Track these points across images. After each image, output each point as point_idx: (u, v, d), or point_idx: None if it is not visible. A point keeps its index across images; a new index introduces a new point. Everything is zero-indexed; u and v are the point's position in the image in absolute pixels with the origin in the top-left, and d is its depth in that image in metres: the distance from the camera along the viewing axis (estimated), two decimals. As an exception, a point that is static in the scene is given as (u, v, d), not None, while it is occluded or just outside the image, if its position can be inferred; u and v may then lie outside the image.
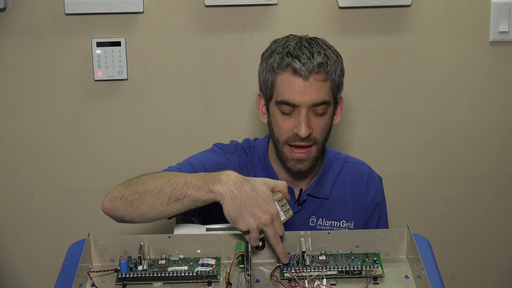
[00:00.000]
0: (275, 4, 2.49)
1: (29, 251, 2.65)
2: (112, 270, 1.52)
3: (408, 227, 1.58)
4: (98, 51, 2.48)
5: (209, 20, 2.50)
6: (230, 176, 1.51)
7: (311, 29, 2.50)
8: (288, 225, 1.84)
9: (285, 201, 1.55)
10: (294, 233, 1.57)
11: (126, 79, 2.52)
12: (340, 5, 2.48)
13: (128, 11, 2.45)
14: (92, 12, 2.44)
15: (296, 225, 1.86)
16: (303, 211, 1.89)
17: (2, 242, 2.64)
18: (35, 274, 2.66)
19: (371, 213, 1.95)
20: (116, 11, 2.44)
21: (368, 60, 2.56)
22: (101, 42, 2.47)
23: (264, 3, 2.47)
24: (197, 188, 1.52)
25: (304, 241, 1.55)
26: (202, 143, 2.56)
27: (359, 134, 2.62)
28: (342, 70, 1.84)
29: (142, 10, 2.46)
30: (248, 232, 1.49)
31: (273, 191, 1.53)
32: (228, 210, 1.49)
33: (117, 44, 2.48)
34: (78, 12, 2.44)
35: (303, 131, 1.76)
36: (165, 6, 2.48)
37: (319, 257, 1.53)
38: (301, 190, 1.90)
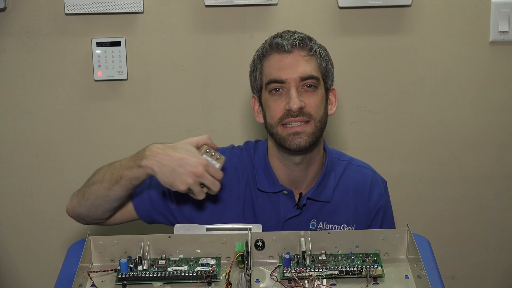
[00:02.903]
0: (275, 4, 2.49)
1: (29, 251, 2.65)
2: (112, 270, 1.52)
3: (408, 227, 1.58)
4: (98, 51, 2.48)
5: (209, 20, 2.50)
6: (152, 149, 1.67)
7: (311, 29, 2.50)
8: (287, 228, 1.84)
9: (213, 151, 1.64)
10: (294, 233, 1.57)
11: (126, 79, 2.52)
12: (340, 5, 2.48)
13: (128, 11, 2.45)
14: (92, 12, 2.44)
15: (295, 228, 1.84)
16: (302, 215, 1.88)
17: (2, 242, 2.64)
18: (35, 274, 2.66)
19: (374, 217, 1.93)
20: (116, 11, 2.45)
21: (368, 60, 2.56)
22: (101, 42, 2.47)
23: (264, 3, 2.47)
24: (129, 168, 1.68)
25: (304, 241, 1.55)
26: (202, 143, 2.56)
27: (359, 134, 2.62)
28: (330, 59, 1.87)
29: (142, 10, 2.47)
30: (190, 190, 1.61)
31: (198, 147, 1.65)
32: (162, 178, 1.62)
33: (117, 44, 2.48)
34: (78, 12, 2.44)
35: (294, 105, 1.76)
36: (165, 6, 2.48)
37: (319, 257, 1.53)
38: (300, 194, 1.89)
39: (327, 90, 1.85)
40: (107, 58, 2.48)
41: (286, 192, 1.87)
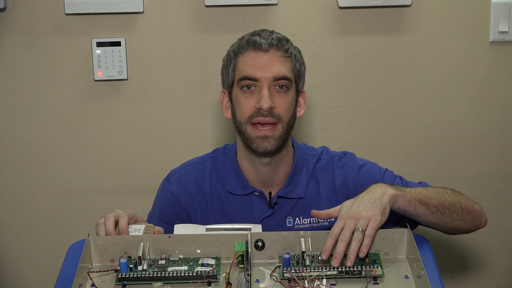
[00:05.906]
0: (275, 4, 2.49)
1: (29, 251, 2.65)
2: (112, 270, 1.52)
3: (408, 227, 1.58)
4: (98, 51, 2.48)
5: (209, 20, 2.50)
6: None
7: (311, 29, 2.51)
8: (264, 229, 1.84)
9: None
10: (294, 233, 1.57)
11: (126, 79, 2.52)
12: (340, 5, 2.48)
13: (128, 11, 2.45)
14: (92, 12, 2.44)
15: (271, 228, 1.84)
16: (276, 214, 1.88)
17: (2, 242, 2.64)
18: (35, 274, 2.66)
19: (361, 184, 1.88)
20: (116, 11, 2.45)
21: (368, 60, 2.56)
22: (101, 42, 2.47)
23: (264, 3, 2.47)
24: None
25: (304, 241, 1.55)
26: (202, 143, 2.56)
27: (359, 134, 2.62)
28: (303, 62, 1.87)
29: (142, 10, 2.47)
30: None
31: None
32: None
33: (117, 44, 2.48)
34: (78, 12, 2.44)
35: (265, 104, 1.76)
36: (165, 6, 2.48)
37: (319, 257, 1.53)
38: (270, 193, 1.89)
39: (298, 92, 1.87)
40: (107, 58, 2.48)
41: (257, 193, 1.88)
